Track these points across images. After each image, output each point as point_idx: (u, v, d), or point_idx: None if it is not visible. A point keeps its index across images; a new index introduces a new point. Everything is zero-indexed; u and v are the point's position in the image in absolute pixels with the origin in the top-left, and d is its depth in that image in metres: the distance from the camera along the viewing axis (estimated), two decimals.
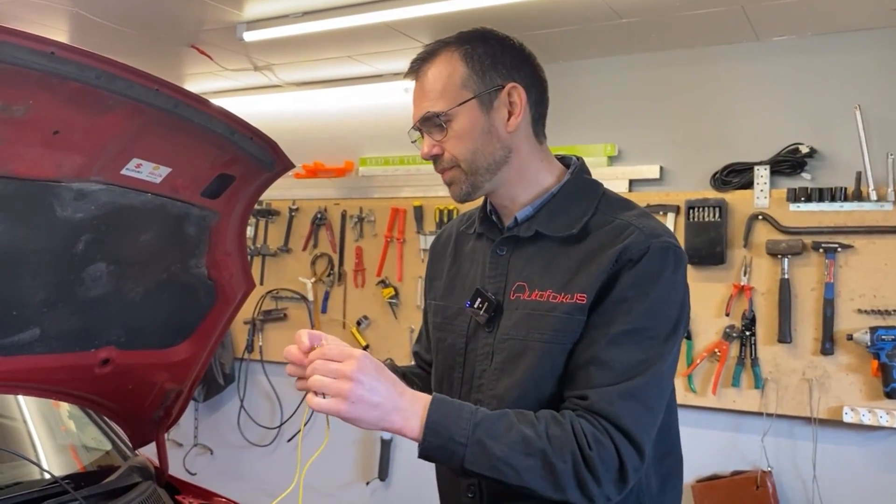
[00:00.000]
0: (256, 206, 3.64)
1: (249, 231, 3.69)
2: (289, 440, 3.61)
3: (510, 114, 1.25)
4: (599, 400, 1.13)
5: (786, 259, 2.67)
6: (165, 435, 2.08)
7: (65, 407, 2.13)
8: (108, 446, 2.05)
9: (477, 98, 1.24)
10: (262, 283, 3.70)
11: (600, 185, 1.33)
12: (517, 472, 1.11)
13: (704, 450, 2.81)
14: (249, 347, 3.74)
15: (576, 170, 1.33)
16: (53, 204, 1.36)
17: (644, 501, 1.25)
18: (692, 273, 2.81)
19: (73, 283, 1.54)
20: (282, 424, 3.65)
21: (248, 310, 3.72)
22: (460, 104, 1.23)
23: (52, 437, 2.11)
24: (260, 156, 1.56)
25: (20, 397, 2.07)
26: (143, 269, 1.67)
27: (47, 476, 1.74)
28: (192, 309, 1.87)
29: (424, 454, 1.12)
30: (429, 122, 1.25)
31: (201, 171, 1.54)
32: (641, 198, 2.90)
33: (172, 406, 2.01)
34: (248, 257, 3.64)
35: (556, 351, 1.21)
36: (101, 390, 1.85)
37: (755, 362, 2.72)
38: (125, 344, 1.79)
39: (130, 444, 2.07)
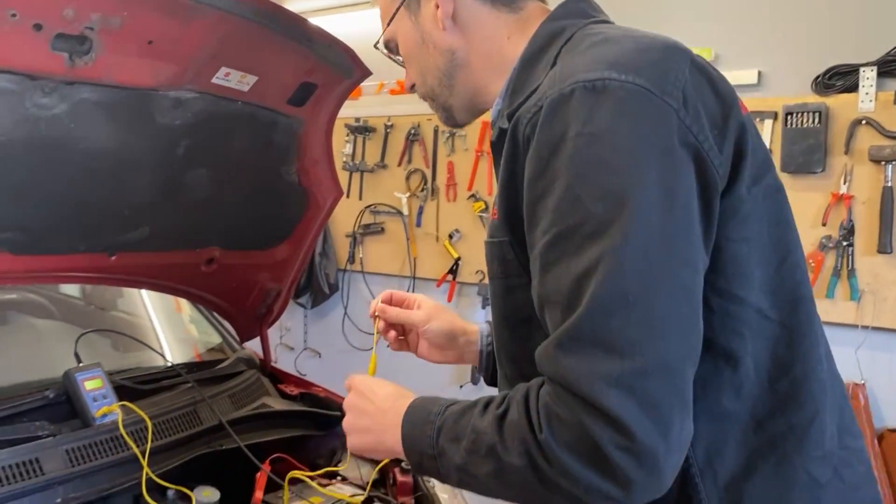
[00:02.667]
0: (353, 123, 3.76)
1: (348, 148, 3.83)
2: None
3: (437, 6, 1.00)
4: (541, 359, 0.82)
5: (889, 166, 2.54)
6: (269, 331, 2.28)
7: (184, 307, 2.36)
8: (218, 340, 2.26)
9: (404, 5, 1.04)
10: (360, 198, 3.86)
11: (565, 30, 0.94)
12: (482, 484, 0.87)
13: None
14: (351, 259, 3.94)
15: (547, 20, 0.97)
16: (153, 111, 1.50)
17: (719, 481, 0.88)
18: (788, 181, 2.72)
19: (176, 186, 1.70)
20: None
21: (348, 224, 3.89)
22: (390, 21, 1.06)
23: (172, 331, 2.35)
24: (339, 63, 1.64)
25: (146, 298, 2.31)
26: (239, 175, 1.81)
27: (167, 363, 1.96)
28: (287, 213, 2.02)
29: (419, 473, 1.02)
30: (390, 56, 1.12)
31: (285, 79, 1.64)
32: None
33: (273, 304, 2.19)
34: (347, 173, 3.80)
35: (499, 290, 0.98)
36: (208, 287, 2.04)
37: (852, 273, 2.64)
38: (228, 245, 1.96)
39: (237, 338, 2.28)
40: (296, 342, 4.19)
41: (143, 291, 2.29)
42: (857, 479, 0.96)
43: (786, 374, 0.89)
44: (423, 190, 3.66)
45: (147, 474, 1.48)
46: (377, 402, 1.02)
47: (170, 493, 1.56)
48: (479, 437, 0.85)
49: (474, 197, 3.49)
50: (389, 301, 1.32)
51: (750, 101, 2.79)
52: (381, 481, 1.77)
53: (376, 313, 1.31)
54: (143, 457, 1.49)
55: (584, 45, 0.90)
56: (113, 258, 1.74)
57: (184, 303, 2.34)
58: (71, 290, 2.49)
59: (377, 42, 1.11)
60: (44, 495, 1.38)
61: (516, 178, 0.89)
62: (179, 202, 1.74)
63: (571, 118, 0.81)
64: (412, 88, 1.11)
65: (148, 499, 1.46)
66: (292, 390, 2.07)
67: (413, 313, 1.30)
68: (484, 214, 3.47)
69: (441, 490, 1.74)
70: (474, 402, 0.90)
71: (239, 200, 1.86)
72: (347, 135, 3.81)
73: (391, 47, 1.11)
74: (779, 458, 0.88)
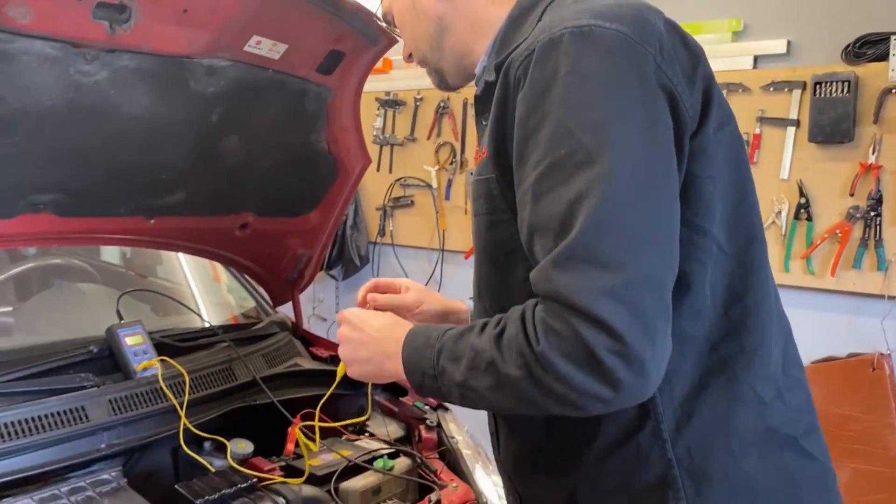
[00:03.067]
0: (383, 97, 3.81)
1: (378, 122, 3.88)
2: None
3: None
4: (536, 280, 0.88)
5: None
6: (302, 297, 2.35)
7: (221, 276, 2.45)
8: (253, 304, 2.35)
9: None
10: (390, 172, 3.91)
11: None
12: (482, 397, 0.93)
13: (820, 332, 2.78)
14: (381, 231, 4.01)
15: None
16: (188, 78, 1.56)
17: (675, 397, 0.96)
18: (815, 152, 2.72)
19: (210, 152, 1.77)
20: None
21: (378, 197, 3.96)
22: None
23: (209, 297, 2.43)
24: (365, 30, 1.69)
25: (184, 266, 2.40)
26: (270, 143, 1.88)
27: (206, 324, 2.05)
28: (317, 181, 2.08)
29: (420, 394, 1.05)
30: (389, 27, 1.20)
31: (314, 47, 1.70)
32: (766, 74, 2.81)
33: (305, 269, 2.26)
34: (378, 147, 3.86)
35: (484, 225, 1.04)
36: (241, 251, 2.12)
37: (879, 244, 2.63)
38: (261, 211, 2.03)
39: (270, 303, 2.36)
40: (328, 313, 4.28)
41: (182, 259, 2.38)
42: (800, 405, 1.07)
43: (738, 302, 0.99)
44: (452, 163, 3.71)
45: (185, 425, 1.56)
46: (372, 333, 1.09)
47: (206, 444, 1.65)
48: (479, 355, 0.92)
49: None
50: (376, 289, 1.37)
51: (779, 71, 2.79)
52: (407, 437, 1.84)
53: (368, 303, 1.35)
54: (182, 408, 1.58)
55: (569, 1, 0.98)
56: (151, 221, 1.82)
57: (221, 272, 2.43)
58: (111, 257, 2.60)
59: (375, 14, 1.20)
60: (89, 440, 1.47)
61: (506, 118, 0.95)
62: (214, 168, 1.81)
63: (561, 59, 0.89)
64: (409, 57, 1.19)
65: (185, 448, 1.55)
66: (322, 352, 2.14)
67: (405, 297, 1.34)
68: None
69: (464, 446, 1.81)
70: (471, 325, 0.97)
71: (270, 167, 1.93)
72: (377, 108, 3.86)
73: (388, 19, 1.19)
74: (728, 377, 0.98)
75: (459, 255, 3.71)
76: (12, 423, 1.41)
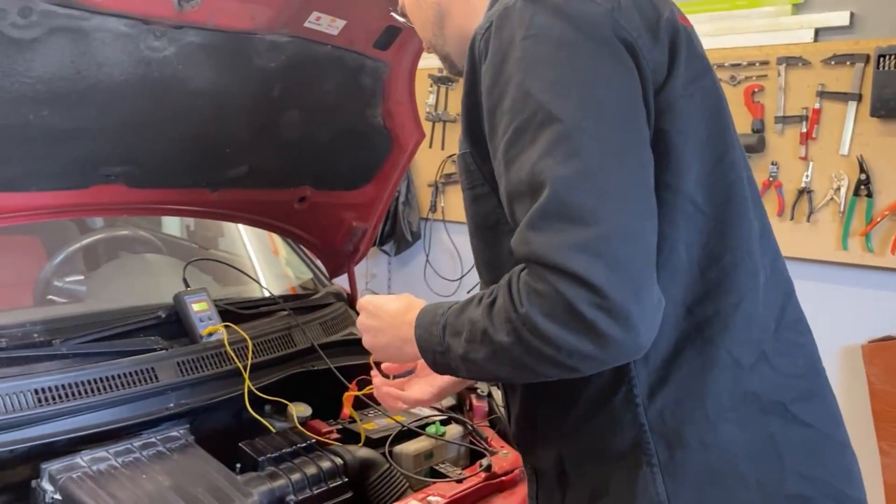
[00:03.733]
0: (437, 74, 3.84)
1: (431, 98, 3.91)
2: None
3: None
4: (516, 245, 0.87)
5: None
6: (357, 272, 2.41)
7: (280, 250, 2.52)
8: (310, 276, 2.41)
9: None
10: (442, 148, 3.94)
11: None
12: (482, 368, 0.94)
13: (879, 311, 2.73)
14: (433, 208, 4.05)
15: None
16: (251, 54, 1.61)
17: (649, 361, 0.95)
18: (877, 127, 2.66)
19: (271, 126, 1.82)
20: (462, 277, 3.98)
21: (430, 173, 4.00)
22: None
23: (269, 267, 2.51)
24: None
25: (245, 239, 2.49)
26: (328, 117, 1.92)
27: (265, 294, 2.12)
28: (372, 155, 2.12)
29: (437, 372, 1.04)
30: (405, 21, 1.24)
31: (371, 23, 1.73)
32: (828, 48, 2.74)
33: (360, 242, 2.31)
34: (430, 123, 3.89)
35: (468, 200, 1.06)
36: (300, 224, 2.18)
37: None
38: (318, 184, 2.09)
39: (327, 274, 2.42)
40: (381, 288, 4.35)
41: (243, 231, 2.46)
42: (795, 370, 1.02)
43: (716, 262, 0.97)
44: None
45: (248, 387, 1.63)
46: (388, 319, 1.10)
47: (266, 407, 1.72)
48: (475, 326, 0.92)
49: None
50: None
51: (841, 44, 2.72)
52: (459, 406, 1.88)
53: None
54: (245, 371, 1.65)
55: None
56: (215, 193, 1.89)
57: (280, 245, 2.50)
58: (173, 229, 2.70)
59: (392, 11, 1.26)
60: (158, 399, 1.55)
61: (476, 91, 0.97)
62: (274, 142, 1.86)
63: (516, 25, 0.90)
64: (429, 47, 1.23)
65: (250, 409, 1.62)
66: None
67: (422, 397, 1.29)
68: None
69: None
70: (471, 298, 0.97)
71: (328, 142, 1.97)
72: (431, 85, 3.88)
73: (402, 12, 1.24)
74: (704, 341, 0.96)
75: None
76: (88, 382, 1.49)
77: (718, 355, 0.96)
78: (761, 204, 1.08)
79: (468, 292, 3.94)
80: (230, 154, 1.81)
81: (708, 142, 0.97)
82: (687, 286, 0.96)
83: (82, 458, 1.35)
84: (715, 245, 0.97)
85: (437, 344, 0.98)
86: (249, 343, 1.71)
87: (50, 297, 2.06)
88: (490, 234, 1.05)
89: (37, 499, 1.30)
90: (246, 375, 1.64)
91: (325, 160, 2.03)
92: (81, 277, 2.18)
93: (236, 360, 1.66)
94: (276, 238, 2.44)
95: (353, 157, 2.09)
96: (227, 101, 1.68)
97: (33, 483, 1.31)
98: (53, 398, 1.43)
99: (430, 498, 1.45)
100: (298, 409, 1.69)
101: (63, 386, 1.45)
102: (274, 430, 1.61)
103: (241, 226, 2.38)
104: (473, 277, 3.89)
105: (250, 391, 1.63)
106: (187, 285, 1.84)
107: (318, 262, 2.44)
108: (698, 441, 0.96)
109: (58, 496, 1.27)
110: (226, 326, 1.75)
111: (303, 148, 1.95)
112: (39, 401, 1.41)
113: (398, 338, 1.08)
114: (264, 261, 2.52)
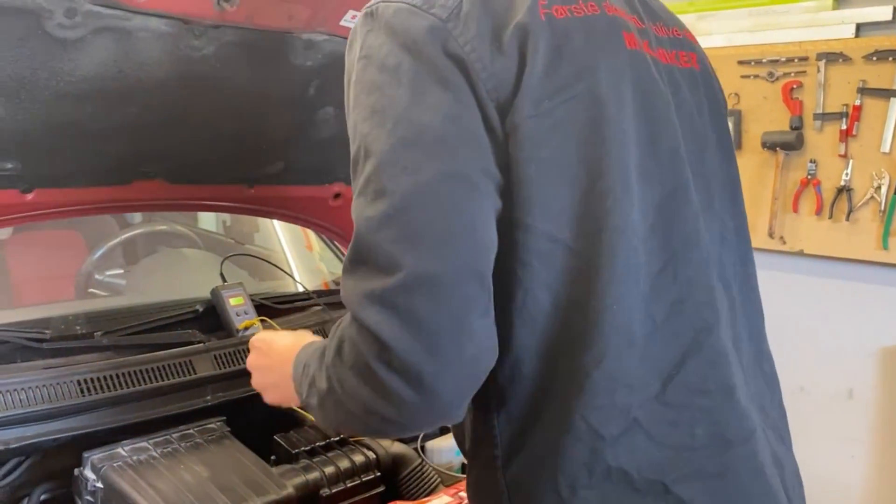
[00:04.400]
0: None
1: None
2: None
3: None
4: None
5: None
6: None
7: (314, 246, 2.55)
8: None
9: None
10: None
11: None
12: (322, 417, 0.87)
13: None
14: None
15: None
16: (288, 53, 1.63)
17: (512, 421, 0.85)
18: None
19: (307, 124, 1.84)
20: None
21: None
22: None
23: (304, 264, 2.54)
24: None
25: (280, 235, 2.52)
26: None
27: (300, 289, 2.15)
28: None
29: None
30: None
31: None
32: (870, 43, 2.69)
33: None
34: None
35: None
36: (335, 220, 2.20)
37: None
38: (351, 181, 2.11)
39: None
40: None
41: (278, 227, 2.50)
42: (693, 442, 0.84)
43: (580, 309, 0.81)
44: None
45: None
46: (275, 357, 1.04)
47: None
48: (307, 369, 0.87)
49: None
50: None
51: (883, 40, 2.67)
52: None
53: None
54: None
55: None
56: (252, 190, 1.92)
57: (314, 241, 2.53)
58: (209, 225, 2.74)
59: None
60: (196, 391, 1.58)
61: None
62: (310, 139, 1.89)
63: (356, 45, 0.85)
64: None
65: None
66: None
67: None
68: None
69: None
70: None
71: None
72: None
73: None
74: (561, 402, 0.82)
75: None
76: (128, 374, 1.52)
77: (573, 422, 0.81)
78: (720, 226, 0.94)
79: None
80: (267, 151, 1.84)
81: (579, 165, 0.81)
82: (548, 336, 0.82)
83: (123, 448, 1.38)
84: (580, 288, 0.81)
85: (299, 385, 0.90)
86: None
87: (91, 290, 2.12)
88: None
89: (79, 486, 1.34)
90: None
91: None
92: (121, 271, 2.23)
93: None
94: (311, 234, 2.46)
95: None
96: (263, 99, 1.70)
97: (76, 471, 1.35)
98: (95, 389, 1.46)
99: (461, 493, 1.46)
100: None
101: (105, 378, 1.49)
102: (308, 424, 1.64)
103: (275, 221, 2.41)
104: None
105: None
106: (224, 280, 1.87)
107: None
108: None
109: (100, 484, 1.31)
110: (262, 320, 1.77)
111: (337, 145, 1.96)
112: (82, 391, 1.45)
113: (284, 376, 0.96)
114: (298, 256, 2.55)
